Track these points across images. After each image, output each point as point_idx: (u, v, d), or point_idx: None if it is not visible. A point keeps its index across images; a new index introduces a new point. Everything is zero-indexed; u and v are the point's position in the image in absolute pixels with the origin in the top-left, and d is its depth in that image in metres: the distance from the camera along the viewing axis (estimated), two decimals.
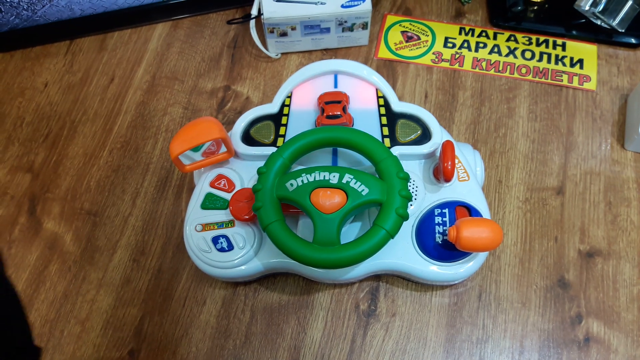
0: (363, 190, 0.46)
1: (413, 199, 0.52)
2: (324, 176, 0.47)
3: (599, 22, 0.67)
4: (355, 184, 0.46)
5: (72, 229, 0.59)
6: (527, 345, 0.52)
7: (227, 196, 0.53)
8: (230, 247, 0.51)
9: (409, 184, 0.50)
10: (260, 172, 0.49)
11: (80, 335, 0.54)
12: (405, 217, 0.45)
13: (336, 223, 0.45)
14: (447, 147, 0.50)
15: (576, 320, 0.53)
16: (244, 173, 0.54)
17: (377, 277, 0.55)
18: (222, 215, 0.52)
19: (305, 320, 0.54)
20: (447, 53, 0.68)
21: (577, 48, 0.68)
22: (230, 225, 0.52)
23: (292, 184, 0.47)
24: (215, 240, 0.51)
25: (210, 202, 0.53)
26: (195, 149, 0.54)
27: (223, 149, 0.54)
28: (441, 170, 0.50)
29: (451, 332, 0.53)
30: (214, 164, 0.54)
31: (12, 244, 0.59)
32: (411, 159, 0.54)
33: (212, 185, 0.54)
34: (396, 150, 0.53)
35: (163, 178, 0.62)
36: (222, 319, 0.54)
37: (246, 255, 0.51)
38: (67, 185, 0.62)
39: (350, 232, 0.52)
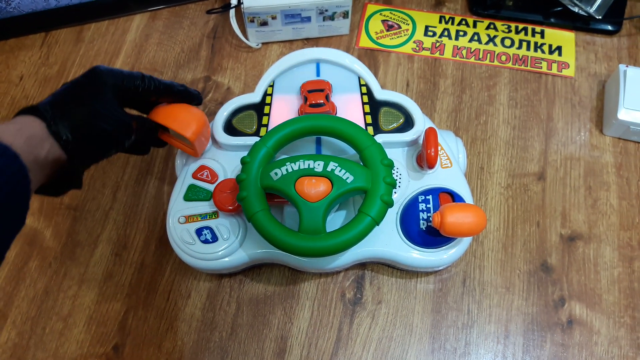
0: (348, 178, 0.46)
1: (397, 186, 0.52)
2: (309, 164, 0.47)
3: (576, 10, 0.68)
4: (340, 172, 0.46)
5: (51, 224, 0.58)
6: (512, 329, 0.53)
7: (210, 187, 0.52)
8: (215, 238, 0.50)
9: (392, 171, 0.50)
10: (244, 161, 0.48)
11: (62, 331, 0.53)
12: (390, 203, 0.45)
13: (322, 211, 0.45)
14: (430, 134, 0.50)
15: (559, 303, 0.54)
16: (227, 164, 0.54)
17: (363, 266, 0.55)
18: (205, 207, 0.52)
19: (292, 310, 0.54)
20: (428, 42, 0.68)
21: (556, 35, 0.69)
22: (214, 217, 0.51)
23: (276, 173, 0.46)
24: (199, 232, 0.51)
25: (193, 194, 0.52)
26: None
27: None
28: (424, 157, 0.50)
29: (437, 318, 0.53)
30: (177, 147, 0.53)
31: None
32: (394, 147, 0.54)
33: (194, 176, 0.53)
34: (379, 138, 0.53)
35: (144, 171, 0.61)
36: (207, 311, 0.54)
37: (231, 246, 0.50)
38: None
39: (335, 220, 0.51)
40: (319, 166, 0.46)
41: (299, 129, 0.50)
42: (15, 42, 0.70)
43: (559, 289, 0.54)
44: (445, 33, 0.69)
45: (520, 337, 0.52)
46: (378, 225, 0.46)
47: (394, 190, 0.48)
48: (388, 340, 0.52)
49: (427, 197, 0.51)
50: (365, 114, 0.55)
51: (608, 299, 0.54)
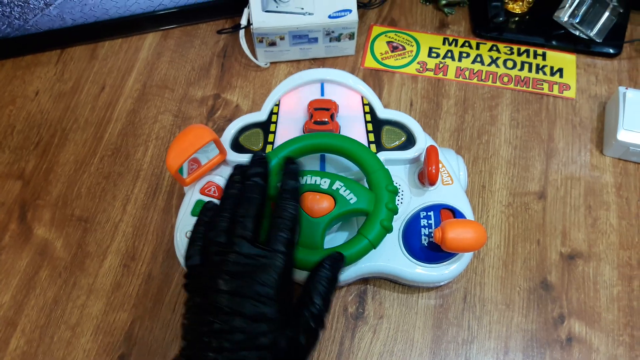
0: (351, 198, 0.47)
1: (399, 202, 0.53)
2: (315, 180, 0.48)
3: (577, 33, 0.69)
4: (344, 191, 0.48)
5: (62, 235, 0.60)
6: (512, 345, 0.53)
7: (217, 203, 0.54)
8: None
9: (396, 197, 0.51)
10: None
11: (70, 340, 0.54)
12: (389, 229, 0.47)
13: (321, 227, 0.46)
14: (431, 151, 0.52)
15: (559, 320, 0.54)
16: None
17: (365, 281, 0.56)
18: None
19: None
20: (432, 62, 0.70)
21: (557, 58, 0.70)
22: None
23: None
24: None
25: (200, 209, 0.54)
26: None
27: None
28: (426, 174, 0.51)
29: (437, 334, 0.54)
30: (211, 169, 0.54)
31: (2, 251, 0.59)
32: (396, 164, 0.55)
33: (202, 192, 0.55)
34: (382, 156, 0.54)
35: (153, 185, 0.63)
36: None
37: None
38: (58, 192, 0.62)
39: (337, 239, 0.52)
40: (324, 183, 0.48)
41: (311, 145, 0.51)
42: (31, 58, 0.73)
43: (558, 306, 0.55)
44: (449, 54, 0.71)
45: (520, 353, 0.53)
46: (375, 248, 0.47)
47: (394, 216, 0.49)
48: (389, 354, 0.53)
49: (429, 214, 0.52)
50: (368, 132, 0.56)
51: (607, 317, 0.54)
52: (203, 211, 0.44)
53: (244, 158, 0.55)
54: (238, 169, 0.44)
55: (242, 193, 0.42)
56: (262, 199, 0.42)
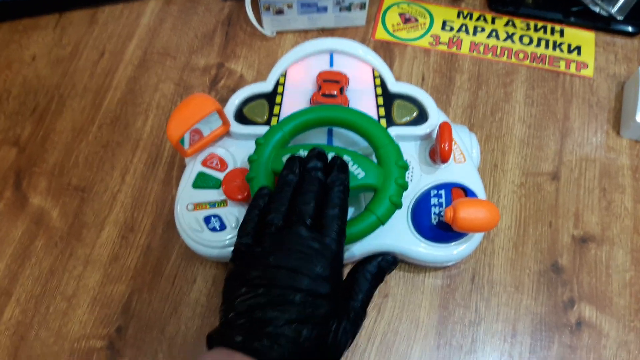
0: (359, 173, 0.45)
1: (409, 180, 0.51)
2: None
3: (597, 10, 0.66)
4: (352, 166, 0.46)
5: (59, 204, 0.58)
6: (520, 328, 0.52)
7: (220, 175, 0.52)
8: (223, 227, 0.50)
9: (406, 173, 0.49)
10: (258, 142, 0.48)
11: (66, 311, 0.53)
12: (399, 205, 0.45)
13: None
14: (445, 128, 0.49)
15: (569, 304, 0.53)
16: (236, 153, 0.53)
17: None
18: (214, 195, 0.51)
19: None
20: (445, 36, 0.68)
21: (575, 35, 0.68)
22: (222, 205, 0.51)
23: None
24: (207, 219, 0.50)
25: (202, 181, 0.52)
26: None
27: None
28: (438, 151, 0.49)
29: (444, 314, 0.52)
30: (213, 140, 0.53)
31: None
32: (407, 140, 0.53)
33: (204, 164, 0.53)
34: (393, 131, 0.52)
35: (153, 155, 0.61)
36: (212, 297, 0.53)
37: None
38: (55, 160, 0.60)
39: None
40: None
41: (318, 118, 0.49)
42: (29, 22, 0.70)
43: (569, 290, 0.53)
44: (463, 28, 0.68)
45: (528, 336, 0.51)
46: (383, 224, 0.45)
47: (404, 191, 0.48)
48: (393, 334, 0.52)
49: (440, 192, 0.51)
50: (378, 106, 0.54)
51: (619, 302, 0.53)
52: (257, 196, 0.44)
53: (248, 130, 0.53)
54: (296, 159, 0.45)
55: (300, 184, 0.43)
56: (321, 193, 0.42)
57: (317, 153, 0.45)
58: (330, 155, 0.46)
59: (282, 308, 0.37)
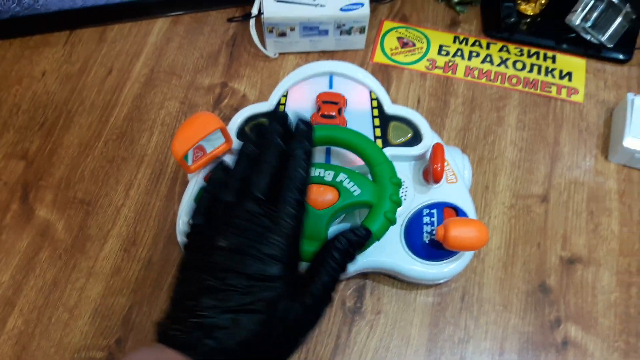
0: (355, 190, 0.47)
1: (403, 198, 0.53)
2: (319, 173, 0.48)
3: (588, 37, 0.69)
4: (348, 183, 0.48)
5: (64, 217, 0.60)
6: (507, 347, 0.53)
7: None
8: None
9: (400, 190, 0.51)
10: None
11: (68, 322, 0.55)
12: (393, 221, 0.47)
13: (325, 219, 0.47)
14: (437, 149, 0.51)
15: (555, 324, 0.54)
16: None
17: (364, 276, 0.56)
18: None
19: None
20: (441, 60, 0.70)
21: (567, 61, 0.70)
22: None
23: None
24: None
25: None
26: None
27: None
28: (431, 171, 0.51)
29: (434, 332, 0.54)
30: (216, 157, 0.54)
31: (2, 230, 0.59)
32: (402, 160, 0.55)
33: (206, 179, 0.55)
34: (388, 151, 0.54)
35: (157, 171, 0.63)
36: None
37: None
38: (61, 174, 0.62)
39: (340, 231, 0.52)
40: (329, 175, 0.48)
41: (316, 137, 0.51)
42: (40, 38, 0.72)
43: (555, 310, 0.55)
44: (459, 53, 0.71)
45: (515, 355, 0.53)
46: (378, 240, 0.47)
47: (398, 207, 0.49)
48: (385, 350, 0.53)
49: (432, 211, 0.52)
50: (374, 127, 0.56)
51: (604, 322, 0.54)
52: (213, 171, 0.41)
53: None
54: (256, 127, 0.40)
55: (257, 153, 0.39)
56: (278, 160, 0.38)
57: (277, 116, 0.40)
58: (328, 174, 0.47)
59: (222, 295, 0.33)
